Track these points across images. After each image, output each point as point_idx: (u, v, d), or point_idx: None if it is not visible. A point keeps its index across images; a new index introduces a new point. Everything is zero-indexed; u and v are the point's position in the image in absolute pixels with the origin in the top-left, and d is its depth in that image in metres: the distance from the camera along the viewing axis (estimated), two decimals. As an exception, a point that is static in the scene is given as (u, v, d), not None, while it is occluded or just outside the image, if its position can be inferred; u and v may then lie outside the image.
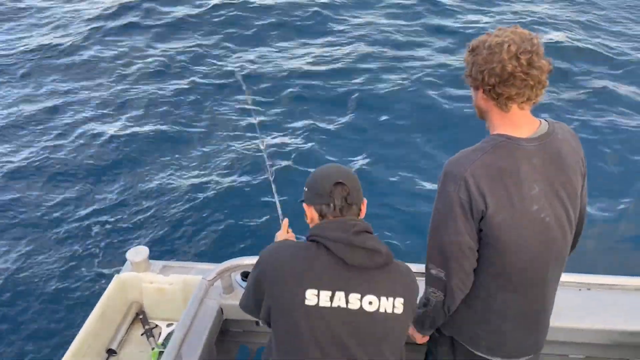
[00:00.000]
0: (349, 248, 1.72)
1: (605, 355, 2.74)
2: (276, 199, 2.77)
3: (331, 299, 1.70)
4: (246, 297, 1.97)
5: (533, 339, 2.11)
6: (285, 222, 2.41)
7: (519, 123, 1.86)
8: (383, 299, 1.73)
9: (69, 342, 2.58)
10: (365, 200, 1.89)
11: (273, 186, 2.82)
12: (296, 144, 6.52)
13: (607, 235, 5.07)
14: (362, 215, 1.87)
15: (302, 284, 1.71)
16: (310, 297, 1.70)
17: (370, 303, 1.72)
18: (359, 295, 1.72)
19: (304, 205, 1.91)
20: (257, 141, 6.27)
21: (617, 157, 6.17)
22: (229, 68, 8.06)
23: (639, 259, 4.87)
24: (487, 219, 1.81)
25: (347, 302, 1.71)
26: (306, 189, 1.89)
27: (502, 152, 1.82)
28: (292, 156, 6.27)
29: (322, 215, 1.83)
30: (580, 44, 8.45)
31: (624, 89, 7.40)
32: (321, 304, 1.70)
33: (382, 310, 1.73)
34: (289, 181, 5.25)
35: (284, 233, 2.37)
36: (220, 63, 8.30)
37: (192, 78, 7.92)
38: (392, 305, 1.74)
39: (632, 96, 7.27)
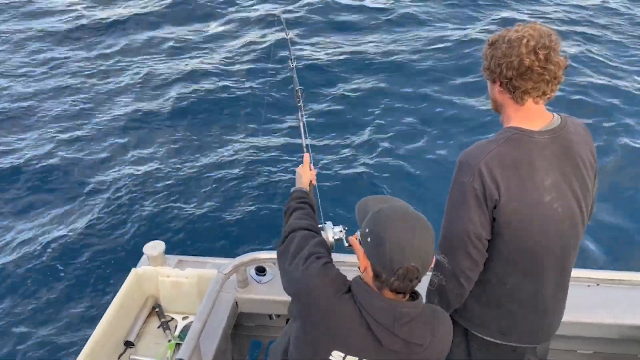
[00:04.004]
0: (389, 334, 1.59)
1: (613, 350, 2.76)
2: (302, 128, 2.58)
3: None
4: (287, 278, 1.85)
5: (544, 324, 2.15)
6: (306, 157, 2.36)
7: (533, 116, 1.90)
8: None
9: (88, 334, 2.64)
10: (434, 259, 1.70)
11: (300, 113, 2.61)
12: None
13: (615, 231, 5.07)
14: (431, 265, 1.66)
15: (331, 342, 1.63)
16: (336, 356, 1.63)
17: None
18: None
19: (361, 252, 1.65)
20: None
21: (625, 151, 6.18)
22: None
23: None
24: (500, 208, 1.86)
25: None
26: (369, 240, 1.59)
27: (516, 143, 1.87)
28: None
29: (378, 278, 1.59)
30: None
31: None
32: None
33: None
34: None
35: (306, 169, 2.35)
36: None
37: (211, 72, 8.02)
38: None
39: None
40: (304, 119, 2.61)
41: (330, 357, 1.63)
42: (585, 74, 7.63)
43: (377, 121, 6.78)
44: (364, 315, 1.60)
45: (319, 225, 2.13)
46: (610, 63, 7.95)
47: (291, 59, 2.71)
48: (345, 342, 1.62)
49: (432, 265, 2.05)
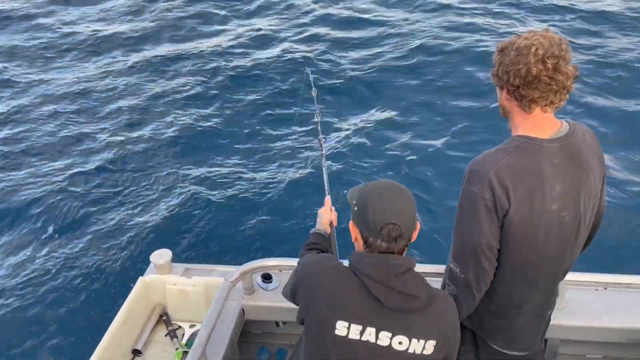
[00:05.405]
0: (386, 290, 1.67)
1: (622, 354, 2.74)
2: (324, 173, 2.77)
3: (361, 333, 1.69)
4: (287, 291, 2.00)
5: (540, 332, 2.19)
6: (327, 199, 2.45)
7: (541, 124, 1.89)
8: (414, 340, 1.69)
9: (95, 343, 2.65)
10: (418, 226, 1.79)
11: (323, 160, 2.85)
12: (353, 129, 6.77)
13: (622, 234, 5.04)
14: (413, 239, 1.78)
15: (334, 313, 1.70)
16: (341, 328, 1.69)
17: (400, 343, 1.69)
18: (389, 334, 1.69)
19: (351, 222, 1.81)
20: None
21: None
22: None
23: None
24: (509, 217, 1.85)
25: (376, 338, 1.69)
26: (355, 209, 1.77)
27: (525, 152, 1.85)
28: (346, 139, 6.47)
29: (366, 243, 1.73)
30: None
31: None
32: (350, 336, 1.69)
33: (411, 351, 1.70)
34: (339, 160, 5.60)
35: (327, 211, 2.46)
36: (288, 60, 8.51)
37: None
38: (423, 347, 1.70)
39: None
40: (326, 164, 2.82)
41: (336, 330, 1.69)
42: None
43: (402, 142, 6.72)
44: (360, 277, 1.70)
45: None
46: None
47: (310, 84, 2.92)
48: (347, 309, 1.69)
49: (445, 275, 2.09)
